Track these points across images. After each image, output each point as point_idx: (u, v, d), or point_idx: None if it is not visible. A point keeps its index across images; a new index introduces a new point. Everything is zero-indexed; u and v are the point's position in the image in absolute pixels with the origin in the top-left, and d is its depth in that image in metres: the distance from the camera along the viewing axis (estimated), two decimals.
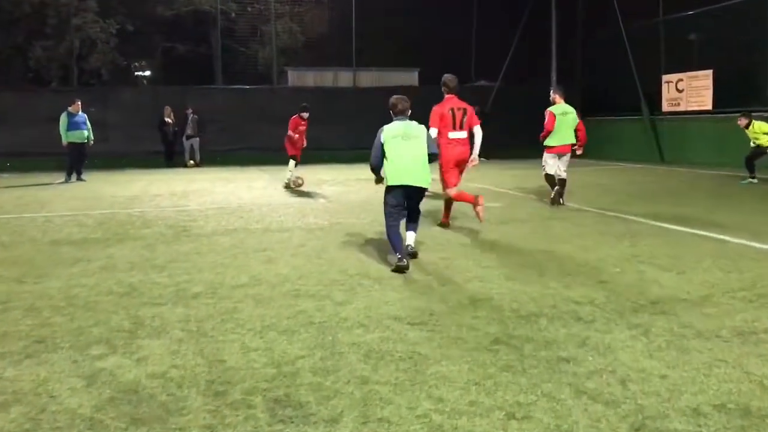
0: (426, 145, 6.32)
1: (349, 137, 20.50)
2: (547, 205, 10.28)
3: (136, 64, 28.91)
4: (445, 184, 8.00)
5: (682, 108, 19.21)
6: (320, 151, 20.88)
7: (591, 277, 5.52)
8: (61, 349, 3.93)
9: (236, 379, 3.44)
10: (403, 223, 6.44)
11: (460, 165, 7.96)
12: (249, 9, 23.43)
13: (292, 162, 13.85)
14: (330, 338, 4.06)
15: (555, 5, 22.65)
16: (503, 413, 2.99)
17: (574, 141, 10.29)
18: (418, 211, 6.58)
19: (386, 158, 6.26)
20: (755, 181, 13.12)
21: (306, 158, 20.62)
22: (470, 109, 8.04)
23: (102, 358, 3.77)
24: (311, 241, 7.42)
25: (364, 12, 22.47)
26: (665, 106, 19.94)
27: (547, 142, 10.25)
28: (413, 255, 6.27)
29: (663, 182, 14.06)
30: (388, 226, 6.26)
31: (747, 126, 13.20)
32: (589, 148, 21.66)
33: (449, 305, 4.75)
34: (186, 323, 4.43)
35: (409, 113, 6.48)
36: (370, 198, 11.13)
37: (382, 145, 6.26)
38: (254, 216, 9.53)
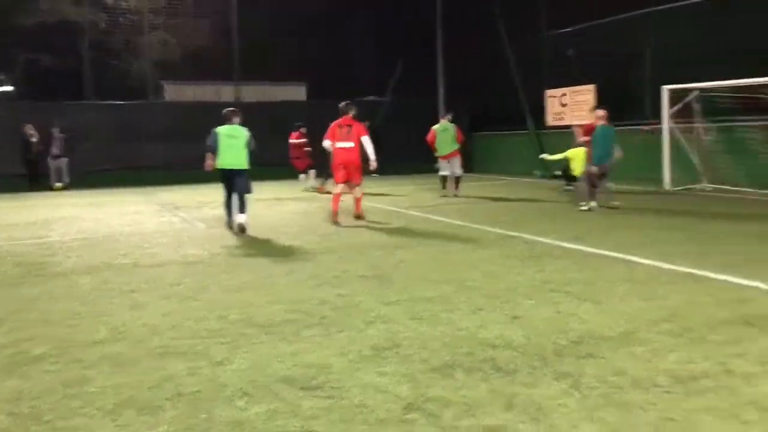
0: (245, 143, 9.45)
1: None
2: (445, 219, 9.92)
3: None
4: None
5: (566, 122, 19.51)
6: (198, 170, 19.56)
7: (504, 312, 4.98)
8: None
9: None
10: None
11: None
12: (121, 20, 21.82)
13: (313, 172, 16.48)
14: (204, 416, 3.24)
15: (440, 24, 22.68)
16: None
17: (456, 147, 14.36)
18: (244, 194, 9.40)
19: (218, 149, 9.31)
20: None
21: (183, 179, 19.42)
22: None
23: None
24: (188, 278, 6.50)
25: (248, 24, 21.40)
26: (550, 120, 20.23)
27: (438, 152, 14.51)
28: (242, 229, 9.24)
29: (554, 196, 14.01)
30: (224, 201, 9.87)
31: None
32: (478, 162, 22.09)
33: (350, 358, 4.04)
34: (16, 402, 3.48)
35: (236, 121, 9.63)
36: (254, 222, 10.26)
37: (217, 137, 9.36)
38: (123, 248, 8.43)
